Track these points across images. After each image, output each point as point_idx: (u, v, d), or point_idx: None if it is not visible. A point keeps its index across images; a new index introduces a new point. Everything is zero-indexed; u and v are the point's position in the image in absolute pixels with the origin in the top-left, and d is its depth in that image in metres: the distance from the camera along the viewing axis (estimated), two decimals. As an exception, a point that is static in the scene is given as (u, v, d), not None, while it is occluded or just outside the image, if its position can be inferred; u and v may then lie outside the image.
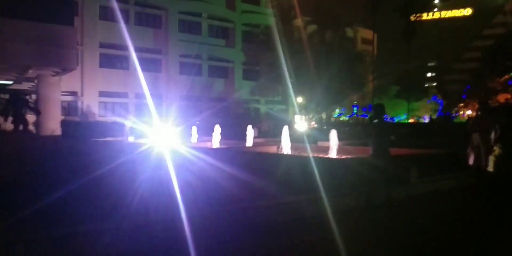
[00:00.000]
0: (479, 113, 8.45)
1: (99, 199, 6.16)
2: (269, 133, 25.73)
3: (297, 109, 45.11)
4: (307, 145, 15.37)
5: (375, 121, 6.71)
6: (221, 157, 12.21)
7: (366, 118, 43.52)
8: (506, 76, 39.18)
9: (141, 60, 32.59)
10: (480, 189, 7.91)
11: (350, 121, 52.30)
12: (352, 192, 6.83)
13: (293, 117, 45.44)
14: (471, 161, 8.13)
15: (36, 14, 19.65)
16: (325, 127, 31.83)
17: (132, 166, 9.85)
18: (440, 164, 10.11)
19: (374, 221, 5.81)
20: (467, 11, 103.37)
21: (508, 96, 38.78)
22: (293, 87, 40.51)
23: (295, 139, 18.05)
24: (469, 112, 47.22)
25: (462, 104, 49.66)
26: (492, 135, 6.58)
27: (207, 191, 6.78)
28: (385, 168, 6.43)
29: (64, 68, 21.83)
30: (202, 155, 12.80)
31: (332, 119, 47.54)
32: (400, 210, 6.41)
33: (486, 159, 7.70)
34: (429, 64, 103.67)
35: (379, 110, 6.72)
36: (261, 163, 11.56)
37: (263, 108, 43.34)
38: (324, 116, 43.65)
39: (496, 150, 6.54)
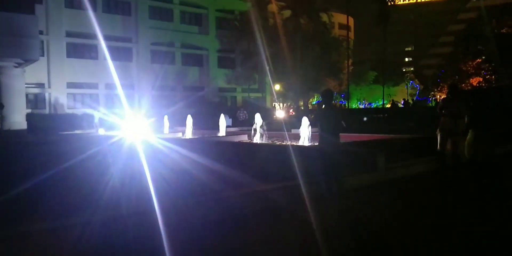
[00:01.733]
0: (448, 96, 8.24)
1: (67, 194, 6.05)
2: (246, 122, 25.36)
3: (275, 97, 44.78)
4: (282, 133, 15.19)
5: (323, 107, 6.48)
6: (192, 147, 12.01)
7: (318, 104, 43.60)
8: (478, 60, 39.55)
9: (110, 49, 31.52)
10: (444, 173, 7.80)
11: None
12: (311, 181, 6.56)
13: (271, 105, 45.14)
14: (438, 144, 7.99)
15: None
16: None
17: (102, 158, 9.70)
18: (411, 149, 9.95)
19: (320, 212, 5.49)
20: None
21: (480, 79, 39.25)
22: (270, 74, 40.13)
23: (271, 127, 17.89)
24: (443, 96, 47.76)
25: (436, 89, 50.23)
26: (467, 120, 6.39)
27: (179, 182, 6.79)
28: (334, 156, 6.11)
29: (27, 59, 20.80)
30: (173, 146, 12.56)
31: (310, 106, 47.40)
32: (352, 199, 6.19)
33: (455, 143, 7.65)
34: (406, 49, 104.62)
35: (327, 96, 6.46)
36: (230, 153, 11.36)
37: (239, 97, 42.78)
38: (302, 103, 43.44)
39: (469, 135, 6.34)
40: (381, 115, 29.27)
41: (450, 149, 7.78)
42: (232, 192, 6.03)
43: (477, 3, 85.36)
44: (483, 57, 39.42)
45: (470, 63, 40.39)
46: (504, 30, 37.33)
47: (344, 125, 6.41)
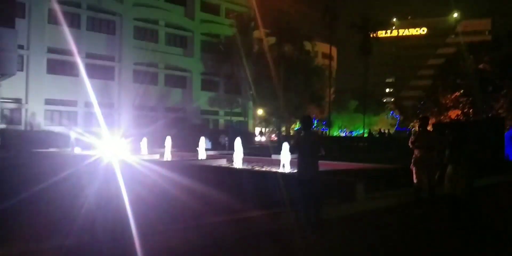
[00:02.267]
0: (420, 128, 8.18)
1: (39, 217, 5.81)
2: (226, 145, 25.03)
3: (257, 122, 44.75)
4: (263, 158, 14.93)
5: (302, 133, 6.32)
6: (171, 170, 11.64)
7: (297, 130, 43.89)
8: (457, 93, 40.55)
9: (92, 67, 31.15)
10: (418, 207, 7.68)
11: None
12: (285, 211, 6.37)
13: (254, 130, 45.01)
14: (414, 178, 7.86)
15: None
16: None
17: (77, 179, 9.38)
18: (391, 179, 9.79)
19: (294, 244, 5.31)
20: (423, 30, 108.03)
21: (459, 112, 40.10)
22: (252, 99, 40.22)
23: (253, 151, 17.66)
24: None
25: (416, 120, 51.13)
26: (446, 153, 6.31)
27: (156, 206, 6.65)
28: (312, 182, 5.89)
29: (3, 73, 20.30)
30: (151, 168, 12.20)
31: (292, 132, 47.43)
32: (325, 231, 5.94)
33: (430, 175, 7.53)
34: (387, 80, 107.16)
35: (306, 122, 6.32)
36: (208, 177, 11.04)
37: (222, 120, 42.55)
38: (284, 129, 43.46)
39: (448, 169, 6.25)
40: (361, 144, 29.36)
41: (425, 182, 7.66)
42: (212, 218, 5.93)
43: (455, 39, 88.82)
44: (462, 91, 40.43)
45: (448, 96, 41.36)
46: (481, 66, 38.53)
47: (323, 152, 6.22)
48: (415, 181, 7.81)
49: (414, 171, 7.82)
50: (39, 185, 8.29)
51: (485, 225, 6.38)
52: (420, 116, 8.18)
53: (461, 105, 40.47)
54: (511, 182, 11.84)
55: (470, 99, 39.38)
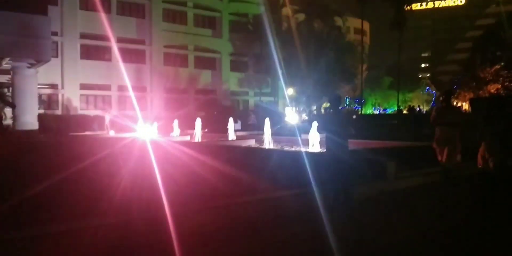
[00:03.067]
0: (443, 103, 7.67)
1: (79, 197, 6.07)
2: (256, 126, 25.11)
3: (287, 101, 44.44)
4: (293, 138, 14.92)
5: (331, 111, 6.24)
6: (200, 151, 11.92)
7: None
8: (497, 66, 38.60)
9: (123, 51, 31.65)
10: (447, 186, 7.34)
11: (342, 112, 51.65)
12: (313, 191, 6.33)
13: (284, 109, 44.81)
14: (439, 156, 7.48)
15: (6, 3, 18.71)
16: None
17: (112, 161, 9.77)
18: (422, 158, 9.56)
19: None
20: (461, 1, 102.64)
21: (499, 86, 38.26)
22: (283, 78, 39.87)
23: (283, 132, 17.68)
24: (461, 103, 46.80)
25: (454, 95, 49.27)
26: (479, 130, 6.04)
27: (189, 186, 6.85)
28: (342, 163, 5.82)
29: (39, 60, 20.92)
30: (182, 149, 12.53)
31: (323, 111, 46.88)
32: (357, 210, 5.84)
33: (450, 154, 7.19)
34: (423, 55, 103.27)
35: (335, 101, 6.22)
36: (239, 157, 11.17)
37: (252, 100, 42.56)
38: (315, 108, 43.01)
39: (482, 146, 5.99)
40: (394, 121, 28.68)
41: (445, 160, 7.31)
42: (241, 198, 6.04)
43: (496, 9, 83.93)
44: (502, 64, 38.45)
45: (488, 69, 39.44)
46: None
47: (353, 131, 6.15)
48: (440, 159, 7.43)
49: (437, 151, 7.44)
50: (77, 166, 8.69)
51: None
52: (444, 91, 7.71)
53: (501, 78, 38.58)
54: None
55: (510, 72, 37.46)
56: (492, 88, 38.91)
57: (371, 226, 5.11)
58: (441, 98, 7.86)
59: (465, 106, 42.72)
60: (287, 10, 39.57)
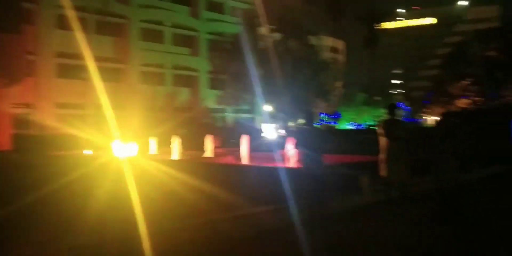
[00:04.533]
0: (388, 117, 7.34)
1: (53, 216, 5.99)
2: (234, 143, 25.20)
3: (265, 118, 44.81)
4: (270, 154, 15.11)
5: (307, 127, 6.47)
6: (178, 168, 11.99)
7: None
8: (466, 82, 40.13)
9: (101, 70, 31.43)
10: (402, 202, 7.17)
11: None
12: (290, 206, 6.50)
13: (261, 126, 45.09)
14: (382, 171, 7.22)
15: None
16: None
17: (88, 180, 9.74)
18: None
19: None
20: (431, 19, 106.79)
21: (468, 101, 39.69)
22: (260, 95, 40.29)
23: (261, 147, 17.87)
24: (433, 117, 48.24)
25: (426, 110, 50.81)
26: (434, 145, 6.22)
27: (165, 204, 6.82)
28: (317, 178, 6.04)
29: (12, 79, 20.71)
30: (160, 167, 12.59)
31: (298, 127, 47.42)
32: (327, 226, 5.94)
33: (402, 169, 6.94)
34: (395, 72, 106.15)
35: (309, 116, 6.52)
36: (217, 174, 11.30)
37: (229, 117, 42.76)
38: (292, 124, 43.48)
39: (435, 161, 6.18)
40: (364, 136, 29.33)
41: (396, 177, 7.07)
42: (221, 215, 6.07)
43: (463, 27, 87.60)
44: (471, 80, 40.00)
45: (457, 85, 40.97)
46: (489, 53, 38.09)
47: (328, 146, 6.38)
48: (383, 175, 7.17)
49: (384, 165, 7.12)
50: (51, 186, 8.59)
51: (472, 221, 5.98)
52: (389, 104, 7.25)
53: (470, 93, 40.08)
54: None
55: (479, 87, 38.98)
56: (462, 102, 40.36)
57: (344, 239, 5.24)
58: (386, 111, 7.45)
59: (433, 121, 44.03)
60: (263, 30, 40.36)
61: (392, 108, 7.34)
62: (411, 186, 7.51)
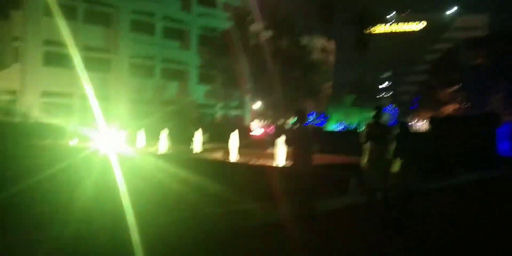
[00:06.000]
0: (372, 121, 7.13)
1: (39, 207, 5.96)
2: (221, 139, 25.01)
3: (254, 115, 44.76)
4: (256, 151, 15.03)
5: (297, 125, 6.41)
6: (166, 163, 11.80)
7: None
8: (453, 88, 40.73)
9: (89, 60, 30.97)
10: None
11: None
12: (278, 203, 6.46)
13: (250, 123, 45.04)
14: (369, 179, 7.07)
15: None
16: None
17: (74, 171, 9.64)
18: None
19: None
20: (421, 24, 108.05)
21: (455, 107, 40.32)
22: (250, 92, 40.20)
23: (249, 145, 17.81)
24: (421, 122, 48.82)
25: (414, 114, 51.44)
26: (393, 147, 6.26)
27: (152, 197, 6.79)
28: (304, 177, 6.01)
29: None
30: (147, 160, 12.39)
31: (289, 125, 47.51)
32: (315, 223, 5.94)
33: (386, 174, 6.78)
34: (384, 76, 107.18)
35: (300, 115, 6.43)
36: (204, 170, 11.16)
37: (218, 113, 42.56)
38: (281, 122, 43.50)
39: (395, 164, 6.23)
40: (350, 138, 29.47)
41: (380, 182, 6.87)
42: (208, 210, 6.07)
43: (452, 35, 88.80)
44: (458, 86, 40.60)
45: (445, 90, 41.53)
46: (477, 61, 38.69)
47: (318, 146, 6.35)
48: (368, 182, 7.01)
49: (367, 170, 6.95)
50: (37, 177, 8.41)
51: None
52: (376, 106, 6.79)
53: (457, 100, 40.68)
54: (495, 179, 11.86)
55: (466, 94, 39.58)
56: (448, 108, 40.94)
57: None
58: (373, 114, 7.22)
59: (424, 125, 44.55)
60: (255, 27, 40.21)
61: (377, 112, 7.14)
62: (391, 191, 7.35)
